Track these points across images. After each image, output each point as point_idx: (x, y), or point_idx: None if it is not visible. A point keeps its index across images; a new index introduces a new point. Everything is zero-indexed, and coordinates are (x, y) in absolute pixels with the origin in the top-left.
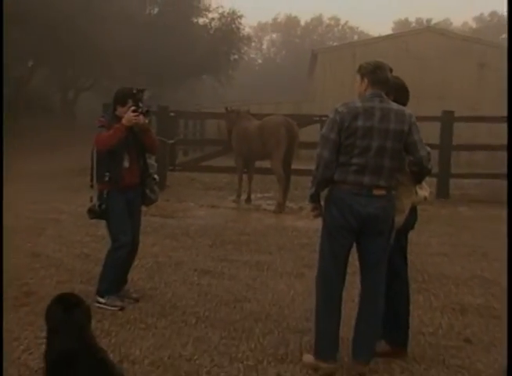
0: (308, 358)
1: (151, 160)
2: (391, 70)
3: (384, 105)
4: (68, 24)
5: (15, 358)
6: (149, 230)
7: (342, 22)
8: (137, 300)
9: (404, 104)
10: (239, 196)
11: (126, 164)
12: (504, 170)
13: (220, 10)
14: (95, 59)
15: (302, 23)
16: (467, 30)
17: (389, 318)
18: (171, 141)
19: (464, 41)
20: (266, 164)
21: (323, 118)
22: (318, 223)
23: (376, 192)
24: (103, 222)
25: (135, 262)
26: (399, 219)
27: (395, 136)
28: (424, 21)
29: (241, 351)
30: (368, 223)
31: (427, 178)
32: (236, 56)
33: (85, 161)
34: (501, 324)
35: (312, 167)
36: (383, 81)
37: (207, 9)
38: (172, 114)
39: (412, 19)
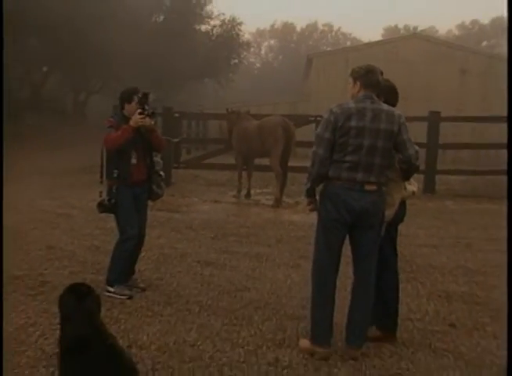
0: (305, 343)
1: (157, 158)
2: (381, 74)
3: (375, 106)
4: (80, 34)
5: (32, 342)
6: (156, 224)
7: (335, 28)
8: (144, 289)
9: (394, 105)
10: (239, 191)
11: (134, 160)
12: (487, 167)
13: (221, 17)
14: (105, 65)
15: (298, 29)
16: (451, 37)
17: (380, 305)
18: (176, 140)
19: (448, 48)
20: (265, 161)
21: (318, 118)
22: (313, 217)
23: (367, 187)
24: (112, 216)
25: (142, 254)
26: (390, 213)
27: (386, 135)
28: (412, 28)
29: (242, 337)
30: (360, 217)
31: (415, 175)
32: (236, 61)
33: (95, 159)
34: (484, 310)
35: (308, 164)
36: (374, 83)
37: (209, 17)
38: (176, 115)
39: (400, 26)
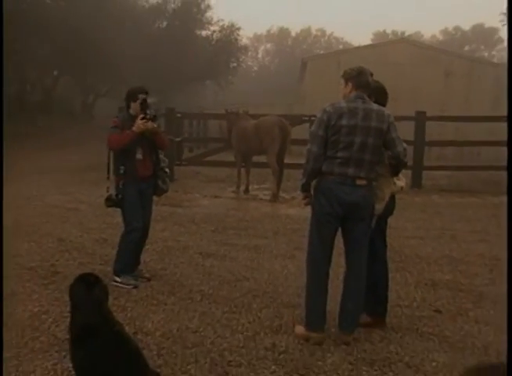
0: (300, 329)
1: (162, 156)
2: (371, 75)
3: (366, 106)
4: (88, 41)
5: (45, 329)
6: (159, 218)
7: (328, 33)
8: (149, 279)
9: (383, 105)
10: (238, 187)
11: (140, 156)
12: (470, 163)
13: (220, 23)
14: (112, 69)
15: (293, 34)
16: (435, 42)
17: (370, 293)
18: (178, 139)
19: (434, 52)
20: (262, 158)
21: (312, 118)
22: (308, 211)
23: (358, 182)
24: (119, 211)
25: (147, 246)
26: (380, 206)
27: (376, 133)
28: (399, 33)
29: (241, 324)
30: (351, 210)
31: (403, 171)
32: (234, 64)
33: (102, 158)
34: (467, 297)
35: (303, 161)
36: (365, 84)
37: (209, 23)
38: (178, 115)
39: (389, 31)
